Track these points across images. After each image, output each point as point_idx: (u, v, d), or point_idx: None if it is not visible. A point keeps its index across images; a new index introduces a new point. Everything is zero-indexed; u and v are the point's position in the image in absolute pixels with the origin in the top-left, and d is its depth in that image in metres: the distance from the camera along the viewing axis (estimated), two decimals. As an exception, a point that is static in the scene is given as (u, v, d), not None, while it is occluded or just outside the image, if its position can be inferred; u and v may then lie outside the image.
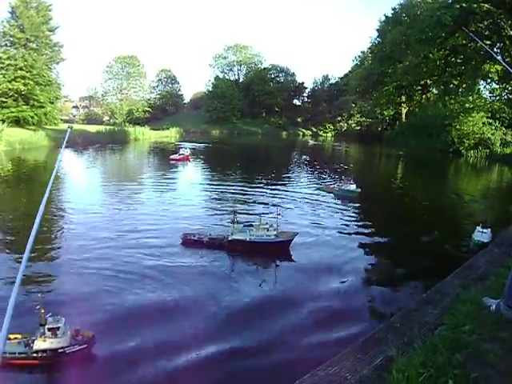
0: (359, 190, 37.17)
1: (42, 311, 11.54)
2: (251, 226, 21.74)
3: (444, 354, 5.10)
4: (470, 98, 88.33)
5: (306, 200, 34.66)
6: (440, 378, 4.69)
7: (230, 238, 21.16)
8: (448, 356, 5.06)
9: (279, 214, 22.47)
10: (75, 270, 17.23)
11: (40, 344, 11.50)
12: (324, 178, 47.81)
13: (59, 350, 11.65)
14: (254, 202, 33.22)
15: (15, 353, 11.31)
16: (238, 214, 23.61)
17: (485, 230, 21.53)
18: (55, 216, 26.85)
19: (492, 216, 30.25)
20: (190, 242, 21.16)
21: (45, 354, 11.55)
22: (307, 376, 4.82)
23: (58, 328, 11.64)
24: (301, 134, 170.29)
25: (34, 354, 11.46)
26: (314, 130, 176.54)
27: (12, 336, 11.56)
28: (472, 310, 6.38)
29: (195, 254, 19.98)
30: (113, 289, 15.67)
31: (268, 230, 21.28)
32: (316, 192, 38.68)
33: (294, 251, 20.97)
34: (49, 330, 11.55)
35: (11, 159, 55.04)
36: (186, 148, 66.75)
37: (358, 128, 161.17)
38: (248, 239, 20.97)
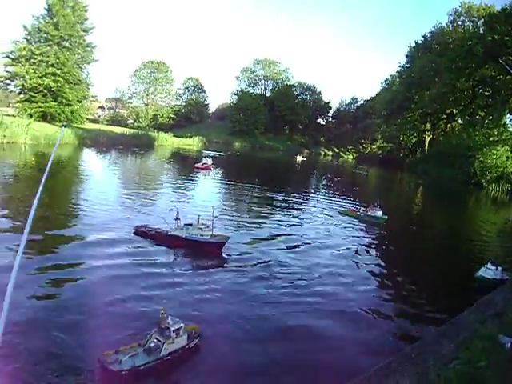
0: (386, 216, 36.51)
1: (165, 315, 12.23)
2: (191, 225, 23.01)
3: (458, 388, 5.07)
4: (496, 130, 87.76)
5: (328, 223, 34.51)
6: (454, 414, 4.67)
7: (168, 233, 22.73)
8: (462, 391, 5.03)
9: (216, 217, 23.64)
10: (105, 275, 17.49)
11: (169, 347, 12.02)
12: (346, 202, 47.18)
13: (185, 347, 12.47)
14: (269, 217, 33.51)
15: (148, 362, 11.54)
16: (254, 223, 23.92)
17: (492, 267, 21.06)
18: (72, 213, 27.68)
19: (508, 253, 29.90)
20: (140, 233, 23.17)
21: (176, 354, 12.16)
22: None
23: (180, 328, 12.34)
24: (322, 153, 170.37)
25: (168, 357, 11.95)
26: (337, 150, 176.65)
27: (122, 348, 11.72)
28: (488, 346, 6.32)
29: (143, 243, 22.19)
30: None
31: (202, 230, 22.50)
32: (338, 215, 38.13)
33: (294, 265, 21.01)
34: (173, 331, 12.14)
35: (35, 153, 55.66)
36: (208, 157, 67.24)
37: (380, 152, 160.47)
38: (184, 236, 22.32)
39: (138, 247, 21.44)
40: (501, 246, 34.90)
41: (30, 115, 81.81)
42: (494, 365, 5.71)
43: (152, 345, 11.91)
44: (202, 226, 22.74)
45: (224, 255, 22.00)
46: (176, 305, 15.04)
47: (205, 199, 35.95)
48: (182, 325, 12.45)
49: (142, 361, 11.43)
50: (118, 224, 25.14)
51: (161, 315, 12.26)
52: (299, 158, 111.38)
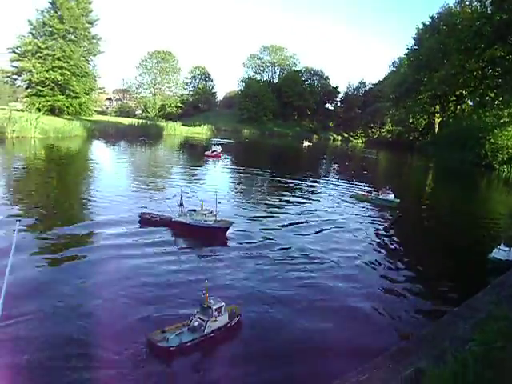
0: (398, 200, 36.17)
1: (207, 295, 13.06)
2: (194, 210, 23.50)
3: (475, 369, 5.07)
4: (506, 111, 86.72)
5: (339, 206, 34.52)
6: (470, 394, 4.67)
7: (173, 220, 23.29)
8: (479, 372, 5.03)
9: (219, 202, 24.07)
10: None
11: (212, 324, 12.87)
12: (357, 186, 46.75)
13: (227, 325, 13.32)
14: (278, 202, 33.65)
15: (193, 339, 12.31)
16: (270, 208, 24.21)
17: (505, 248, 20.90)
18: (81, 202, 28.75)
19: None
20: (145, 220, 23.62)
21: (218, 332, 13.00)
22: (339, 381, 4.85)
23: (221, 307, 13.19)
24: (332, 138, 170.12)
25: (212, 334, 12.82)
26: (346, 135, 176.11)
27: (168, 328, 12.43)
28: (503, 326, 6.31)
29: (148, 230, 22.61)
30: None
31: (206, 216, 23.03)
32: (350, 199, 37.99)
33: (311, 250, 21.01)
34: (215, 310, 12.98)
35: (45, 147, 55.97)
36: (218, 145, 67.64)
37: (389, 136, 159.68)
38: (188, 222, 22.84)
39: (144, 233, 21.85)
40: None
41: (39, 109, 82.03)
42: (510, 346, 5.69)
43: (196, 324, 12.73)
44: (206, 212, 23.22)
45: (229, 240, 22.34)
46: (192, 288, 15.52)
47: (212, 186, 36.16)
48: (222, 304, 13.25)
49: (187, 338, 12.20)
50: (124, 211, 25.63)
51: (203, 295, 13.08)
52: (306, 144, 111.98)
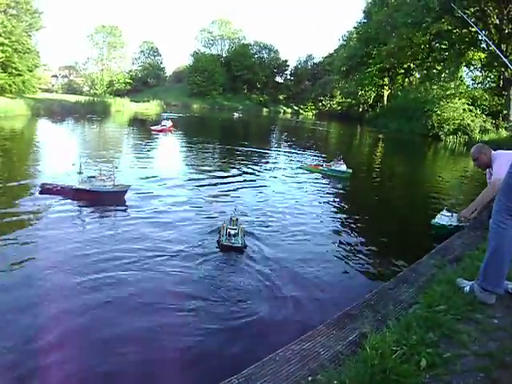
0: (350, 170, 35.07)
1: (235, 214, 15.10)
2: (94, 177, 23.69)
3: (418, 332, 5.09)
4: (452, 84, 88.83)
5: (288, 178, 33.47)
6: (413, 356, 4.68)
7: (73, 187, 23.06)
8: (422, 335, 5.05)
9: (116, 167, 24.80)
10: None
11: (242, 233, 14.62)
12: (307, 157, 46.00)
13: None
14: (213, 171, 32.95)
15: (242, 240, 14.20)
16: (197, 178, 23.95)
17: (447, 214, 21.30)
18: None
19: (465, 201, 30.47)
20: (46, 190, 22.96)
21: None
22: (281, 350, 4.76)
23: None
24: (282, 111, 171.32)
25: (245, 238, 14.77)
26: (296, 108, 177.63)
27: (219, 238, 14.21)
28: (446, 290, 6.40)
29: (50, 199, 21.80)
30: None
31: (105, 181, 23.31)
32: (300, 171, 36.84)
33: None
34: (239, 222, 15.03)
35: (-14, 126, 53.82)
36: (167, 119, 66.86)
37: (339, 108, 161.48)
38: (88, 188, 22.83)
39: (45, 203, 21.10)
40: (459, 194, 35.52)
41: (-22, 88, 78.55)
42: (453, 308, 5.74)
43: (232, 232, 14.22)
44: (104, 177, 23.54)
45: (128, 201, 22.58)
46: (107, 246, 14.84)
47: (131, 156, 36.03)
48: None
49: (241, 240, 14.05)
50: (26, 182, 25.02)
51: (233, 212, 15.35)
52: (236, 115, 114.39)
